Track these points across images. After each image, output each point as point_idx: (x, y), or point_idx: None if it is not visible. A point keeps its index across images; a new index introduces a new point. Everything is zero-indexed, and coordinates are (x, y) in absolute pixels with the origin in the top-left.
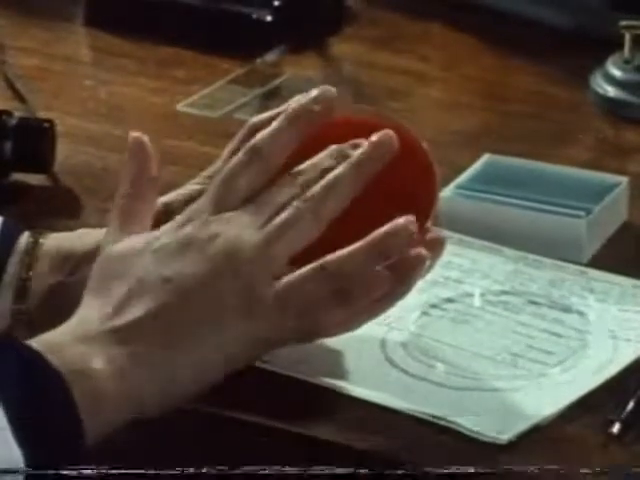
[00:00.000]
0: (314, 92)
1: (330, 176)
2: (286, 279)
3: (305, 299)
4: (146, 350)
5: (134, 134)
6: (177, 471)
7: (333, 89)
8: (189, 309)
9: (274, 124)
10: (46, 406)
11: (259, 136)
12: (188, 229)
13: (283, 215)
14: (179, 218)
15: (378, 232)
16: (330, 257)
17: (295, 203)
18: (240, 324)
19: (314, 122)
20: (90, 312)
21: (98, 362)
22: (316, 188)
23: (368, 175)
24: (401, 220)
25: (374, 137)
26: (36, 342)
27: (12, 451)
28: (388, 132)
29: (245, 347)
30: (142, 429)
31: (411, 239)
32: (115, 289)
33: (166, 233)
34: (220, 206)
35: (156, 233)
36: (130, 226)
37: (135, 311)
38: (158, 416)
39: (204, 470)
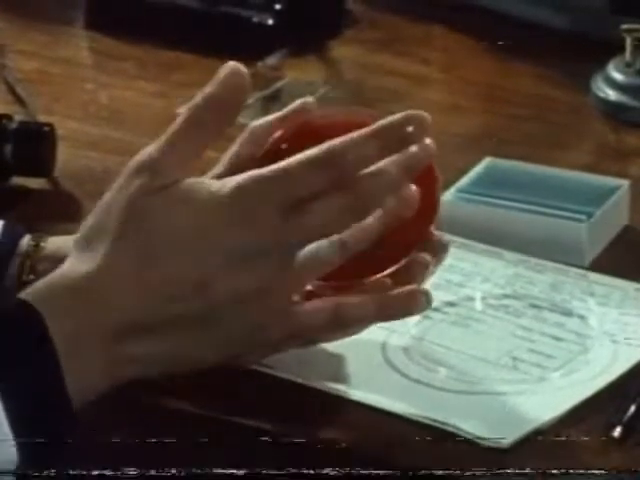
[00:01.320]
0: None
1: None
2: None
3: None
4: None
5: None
6: (177, 472)
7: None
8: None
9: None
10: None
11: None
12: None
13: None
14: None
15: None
16: (344, 302)
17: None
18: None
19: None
20: (116, 266)
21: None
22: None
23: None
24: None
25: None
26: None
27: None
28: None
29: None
30: (142, 431)
31: None
32: (141, 256)
33: (220, 205)
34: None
35: (205, 192)
36: (189, 155)
37: (159, 310)
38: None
39: (204, 471)
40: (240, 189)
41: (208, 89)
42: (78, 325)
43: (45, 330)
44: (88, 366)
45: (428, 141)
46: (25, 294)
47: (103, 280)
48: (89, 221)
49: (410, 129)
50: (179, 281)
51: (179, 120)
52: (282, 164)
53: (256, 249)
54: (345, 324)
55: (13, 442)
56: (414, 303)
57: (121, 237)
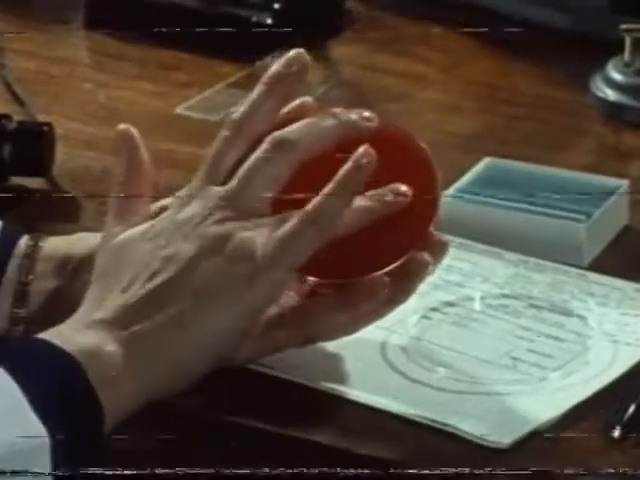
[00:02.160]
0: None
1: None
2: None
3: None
4: (154, 328)
5: (120, 127)
6: (177, 472)
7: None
8: (192, 283)
9: (252, 95)
10: (66, 392)
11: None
12: (188, 212)
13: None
14: (176, 202)
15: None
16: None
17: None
18: (243, 295)
19: (292, 86)
20: (97, 300)
21: (110, 346)
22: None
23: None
24: None
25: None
26: (47, 334)
27: (37, 430)
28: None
29: (247, 320)
30: (141, 432)
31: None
32: (121, 275)
33: (163, 220)
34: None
35: (154, 221)
36: (128, 215)
37: (141, 291)
38: (171, 398)
39: (204, 471)
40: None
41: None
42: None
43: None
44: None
45: (367, 113)
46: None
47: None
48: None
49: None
50: (147, 263)
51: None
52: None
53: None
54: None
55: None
56: None
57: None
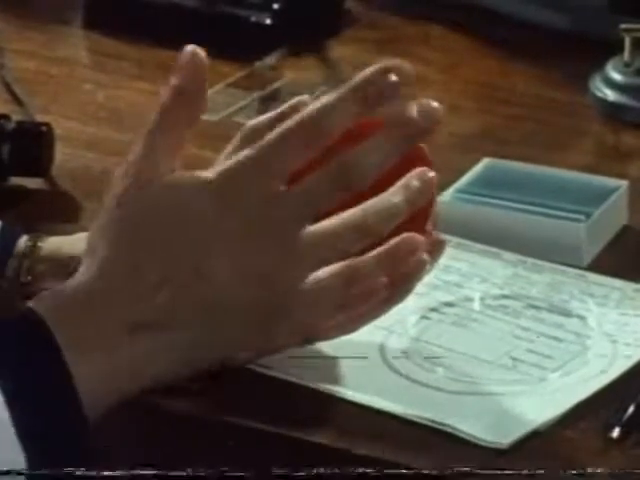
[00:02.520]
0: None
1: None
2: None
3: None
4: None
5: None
6: (177, 472)
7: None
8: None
9: (333, 95)
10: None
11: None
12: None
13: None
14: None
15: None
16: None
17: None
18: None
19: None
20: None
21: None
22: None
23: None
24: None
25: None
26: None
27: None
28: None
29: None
30: (142, 431)
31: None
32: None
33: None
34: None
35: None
36: (170, 151)
37: (167, 302)
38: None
39: (204, 472)
40: (227, 171)
41: (172, 82)
42: (82, 332)
43: (51, 338)
44: (96, 371)
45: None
46: (31, 303)
47: (102, 284)
48: (91, 229)
49: (393, 79)
50: (179, 269)
51: (152, 121)
52: (264, 141)
53: (248, 227)
54: (357, 281)
55: (22, 452)
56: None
57: (116, 237)
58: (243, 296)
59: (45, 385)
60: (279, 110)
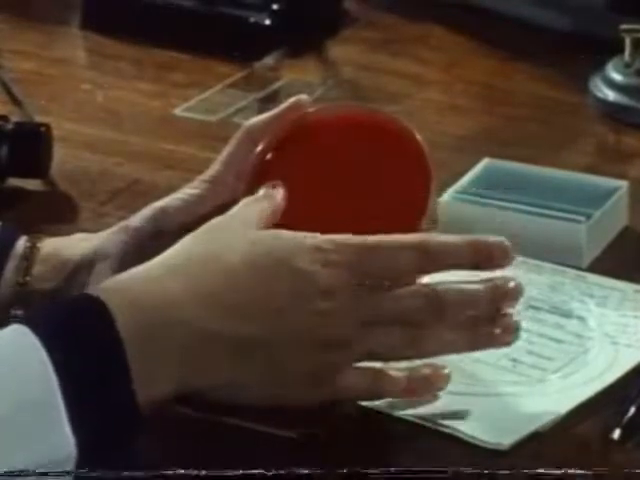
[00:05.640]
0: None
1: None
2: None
3: None
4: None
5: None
6: (177, 473)
7: None
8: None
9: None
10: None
11: None
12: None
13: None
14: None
15: None
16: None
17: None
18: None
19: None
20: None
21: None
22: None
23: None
24: None
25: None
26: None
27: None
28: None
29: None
30: (142, 432)
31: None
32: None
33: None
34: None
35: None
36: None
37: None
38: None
39: (204, 472)
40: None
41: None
42: (149, 329)
43: (115, 330)
44: (156, 369)
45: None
46: (96, 290)
47: (184, 296)
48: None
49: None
50: (259, 307)
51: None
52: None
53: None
54: (380, 394)
55: (73, 442)
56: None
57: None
58: (297, 353)
59: (103, 378)
60: (278, 110)
